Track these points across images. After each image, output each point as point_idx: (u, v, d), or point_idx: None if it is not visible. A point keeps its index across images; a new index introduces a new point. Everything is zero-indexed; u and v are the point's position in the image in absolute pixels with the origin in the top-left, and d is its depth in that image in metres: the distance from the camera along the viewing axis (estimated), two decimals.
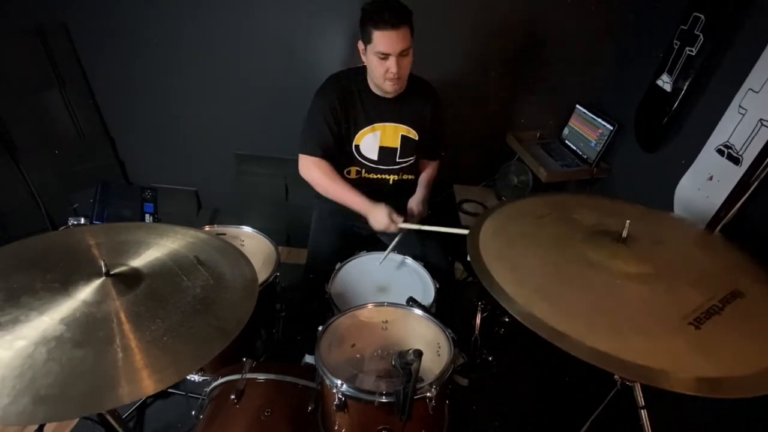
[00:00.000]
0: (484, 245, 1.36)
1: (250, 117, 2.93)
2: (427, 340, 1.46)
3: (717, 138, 1.85)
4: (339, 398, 1.25)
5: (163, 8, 2.58)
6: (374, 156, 2.06)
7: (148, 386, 0.95)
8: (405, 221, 1.95)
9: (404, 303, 1.59)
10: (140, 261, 1.28)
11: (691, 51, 1.99)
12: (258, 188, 3.10)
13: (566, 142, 2.83)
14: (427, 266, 1.94)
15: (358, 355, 1.41)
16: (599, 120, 2.58)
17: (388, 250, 1.97)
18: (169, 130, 3.04)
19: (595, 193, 2.74)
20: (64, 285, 1.14)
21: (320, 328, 1.46)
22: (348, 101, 1.97)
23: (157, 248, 1.35)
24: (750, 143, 1.69)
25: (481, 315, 1.74)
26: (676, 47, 2.07)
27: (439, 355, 1.41)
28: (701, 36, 1.94)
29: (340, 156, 2.07)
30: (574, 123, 2.79)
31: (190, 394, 1.93)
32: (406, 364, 1.18)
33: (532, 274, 1.25)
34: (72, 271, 1.19)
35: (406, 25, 1.76)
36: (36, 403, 0.87)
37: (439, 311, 1.79)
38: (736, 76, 1.77)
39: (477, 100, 2.84)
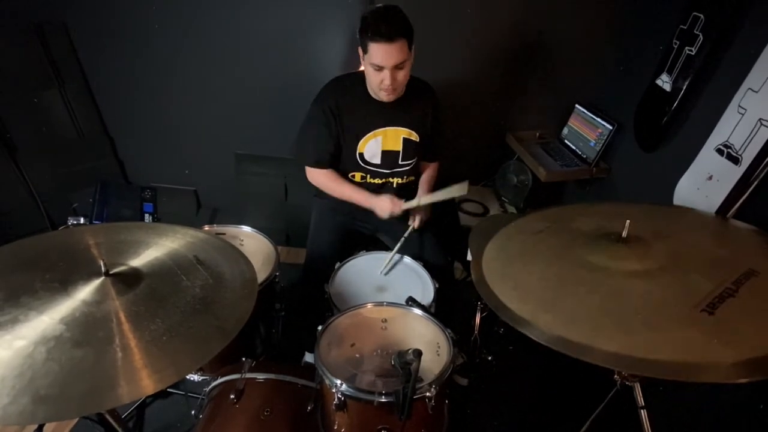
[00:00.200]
0: (487, 268, 1.36)
1: (249, 116, 2.93)
2: (426, 339, 1.46)
3: (716, 138, 1.85)
4: (338, 398, 1.25)
5: (163, 8, 2.58)
6: (377, 160, 2.06)
7: (148, 386, 0.95)
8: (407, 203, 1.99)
9: (404, 302, 1.60)
10: (140, 261, 1.28)
11: (691, 51, 1.99)
12: (257, 188, 3.10)
13: (566, 141, 2.83)
14: (427, 266, 1.94)
15: (357, 355, 1.41)
16: (598, 120, 2.58)
17: (391, 255, 1.98)
18: (168, 129, 3.04)
19: (593, 193, 2.75)
20: (64, 285, 1.14)
21: (320, 327, 1.47)
22: (347, 109, 1.97)
23: (157, 248, 1.35)
24: (749, 143, 1.69)
25: (481, 315, 1.74)
26: (676, 47, 2.07)
27: (438, 354, 1.41)
28: (701, 35, 1.94)
29: (344, 163, 2.08)
30: (574, 123, 2.79)
31: (189, 394, 1.93)
32: (405, 363, 1.18)
33: (534, 290, 1.24)
34: (71, 271, 1.19)
35: (403, 38, 1.73)
36: (35, 403, 0.87)
37: (438, 311, 1.79)
38: (735, 76, 1.77)
39: (476, 99, 2.84)
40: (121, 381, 0.93)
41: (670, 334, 1.03)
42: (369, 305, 1.57)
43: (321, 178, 2.08)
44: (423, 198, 2.01)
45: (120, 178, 3.22)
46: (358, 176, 2.10)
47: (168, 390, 2.07)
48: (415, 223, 2.05)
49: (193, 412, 1.59)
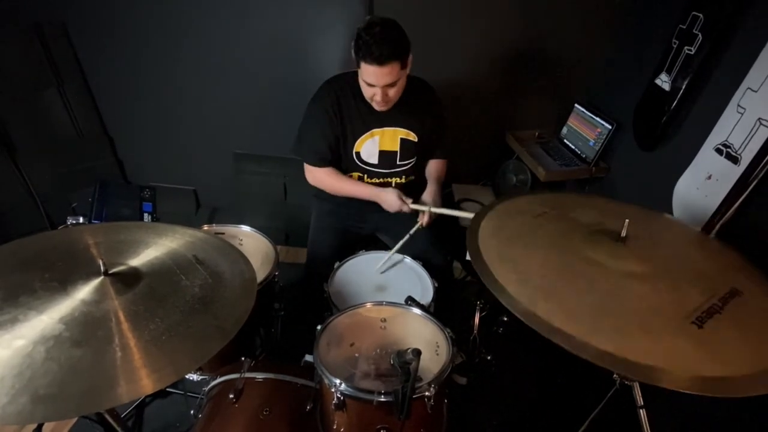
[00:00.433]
0: (484, 244, 1.35)
1: (249, 116, 2.93)
2: (425, 339, 1.46)
3: (716, 137, 1.85)
4: (338, 397, 1.25)
5: (162, 8, 2.58)
6: (375, 160, 2.05)
7: (147, 385, 0.95)
8: (414, 203, 1.98)
9: (403, 302, 1.59)
10: (139, 260, 1.28)
11: (690, 50, 1.99)
12: (257, 187, 3.10)
13: (565, 141, 2.83)
14: (426, 265, 1.94)
15: (356, 354, 1.41)
16: (598, 119, 2.59)
17: (392, 252, 1.97)
18: (167, 129, 3.04)
19: (593, 192, 2.75)
20: (63, 284, 1.14)
21: (319, 327, 1.46)
22: (344, 108, 1.96)
23: (156, 247, 1.35)
24: (749, 142, 1.69)
25: (480, 314, 1.74)
26: (675, 46, 2.07)
27: (437, 354, 1.41)
28: (700, 35, 1.94)
29: (342, 162, 2.08)
30: (573, 122, 2.79)
31: (188, 394, 1.93)
32: (404, 363, 1.18)
33: (533, 274, 1.24)
34: (71, 271, 1.19)
35: (395, 61, 1.72)
36: (35, 403, 0.87)
37: (437, 310, 1.79)
38: (734, 75, 1.78)
39: (476, 99, 2.84)
40: (120, 380, 0.93)
41: (663, 342, 1.04)
42: (368, 305, 1.57)
43: (321, 175, 2.08)
44: (434, 207, 1.99)
45: (119, 178, 3.22)
46: (355, 176, 2.10)
47: (167, 389, 2.07)
48: (423, 220, 2.00)
49: (192, 411, 1.59)
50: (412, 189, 2.14)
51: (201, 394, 1.60)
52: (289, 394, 1.50)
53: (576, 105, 2.78)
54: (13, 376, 0.90)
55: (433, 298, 1.76)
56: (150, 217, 3.13)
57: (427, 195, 2.10)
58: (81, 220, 1.96)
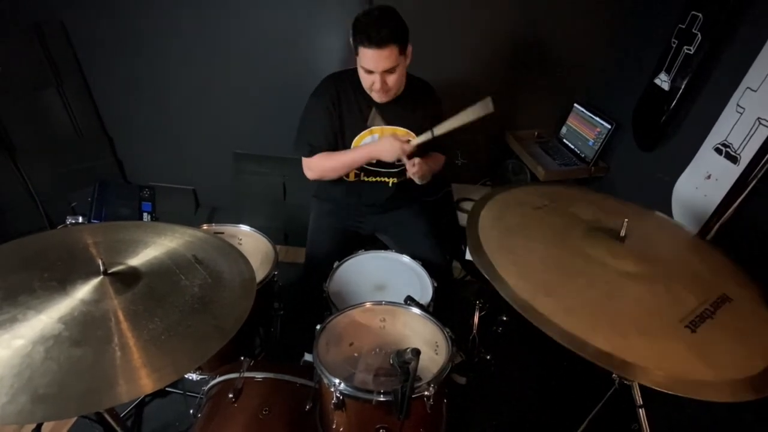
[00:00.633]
0: (484, 234, 1.35)
1: (248, 116, 2.93)
2: (425, 338, 1.46)
3: (715, 137, 1.85)
4: (337, 397, 1.25)
5: (161, 7, 2.58)
6: None
7: (146, 385, 0.95)
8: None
9: (402, 302, 1.59)
10: (138, 260, 1.29)
11: (689, 50, 1.99)
12: (256, 187, 3.10)
13: (564, 141, 2.83)
14: (425, 265, 1.93)
15: (356, 354, 1.41)
16: (597, 119, 2.59)
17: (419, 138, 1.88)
18: (167, 129, 3.03)
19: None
20: (62, 284, 1.14)
21: (318, 326, 1.46)
22: (344, 104, 1.95)
23: (155, 247, 1.35)
24: (748, 142, 1.70)
25: (479, 314, 1.74)
26: (674, 46, 2.07)
27: (436, 353, 1.41)
28: (699, 35, 1.94)
29: None
30: (572, 122, 2.79)
31: (188, 393, 1.93)
32: (404, 362, 1.18)
33: (534, 268, 1.24)
34: (70, 270, 1.19)
35: (393, 44, 1.71)
36: (34, 402, 0.87)
37: (437, 310, 1.79)
38: (734, 75, 1.78)
39: (475, 98, 2.83)
40: (119, 380, 0.93)
41: (659, 344, 1.05)
42: (367, 304, 1.57)
43: (316, 160, 2.00)
44: (438, 128, 1.86)
45: (118, 178, 3.22)
46: (352, 174, 2.09)
47: (166, 389, 2.07)
48: (414, 169, 1.91)
49: (191, 411, 1.59)
50: (408, 188, 2.15)
51: (200, 393, 1.60)
52: (289, 394, 1.50)
53: (575, 105, 2.78)
54: (12, 375, 0.90)
55: (432, 298, 1.76)
56: (149, 216, 3.13)
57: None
58: (80, 219, 1.95)
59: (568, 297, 1.14)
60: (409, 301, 1.60)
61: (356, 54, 1.78)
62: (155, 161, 3.19)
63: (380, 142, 1.92)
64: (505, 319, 1.97)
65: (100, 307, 1.09)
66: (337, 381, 1.26)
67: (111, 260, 1.23)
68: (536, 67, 2.73)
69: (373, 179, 2.10)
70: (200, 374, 1.79)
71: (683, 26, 2.02)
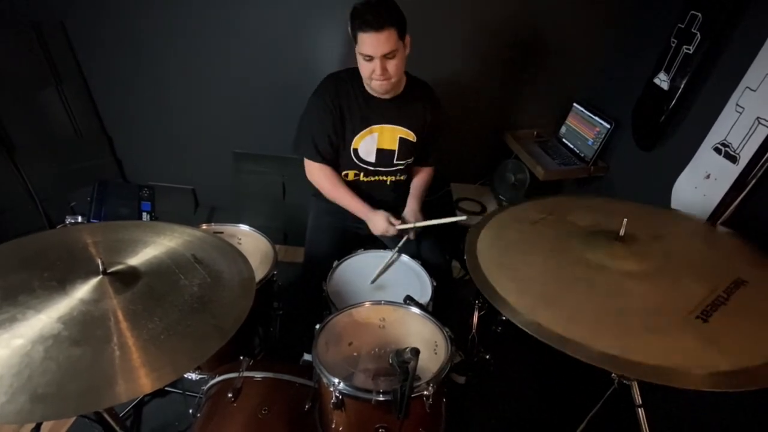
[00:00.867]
0: (482, 256, 1.35)
1: (247, 115, 2.93)
2: (424, 338, 1.46)
3: (714, 136, 1.85)
4: (336, 396, 1.25)
5: (161, 6, 2.57)
6: (372, 158, 2.05)
7: (146, 384, 0.95)
8: (402, 223, 1.99)
9: (401, 301, 1.59)
10: (137, 259, 1.29)
11: (689, 49, 1.99)
12: (255, 187, 3.10)
13: (563, 140, 2.83)
14: (425, 264, 1.94)
15: (355, 354, 1.41)
16: (596, 118, 2.59)
17: (383, 264, 1.96)
18: (166, 128, 3.04)
19: (591, 191, 2.75)
20: (62, 283, 1.14)
21: (317, 326, 1.46)
22: (345, 103, 1.95)
23: (155, 247, 1.35)
24: (747, 141, 1.70)
25: (479, 313, 1.74)
26: (674, 45, 2.07)
27: (436, 353, 1.41)
28: (698, 34, 1.94)
29: (339, 159, 2.07)
30: (572, 121, 2.79)
31: (187, 393, 1.93)
32: (403, 362, 1.18)
33: (533, 282, 1.24)
34: (69, 270, 1.19)
35: (392, 27, 1.71)
36: (33, 402, 0.87)
37: (436, 309, 1.79)
38: (733, 75, 1.78)
39: (474, 98, 2.84)
40: (118, 379, 0.93)
41: (668, 340, 1.03)
42: (367, 304, 1.57)
43: (319, 174, 2.07)
44: (419, 223, 2.02)
45: (118, 177, 3.22)
46: (351, 174, 2.10)
47: (166, 389, 2.07)
48: (411, 234, 2.05)
49: (190, 410, 1.59)
50: (405, 187, 2.17)
51: (200, 393, 1.60)
52: (288, 394, 1.50)
53: (575, 104, 2.78)
54: (11, 375, 0.90)
55: (431, 297, 1.76)
56: (148, 216, 3.12)
57: (410, 214, 2.10)
58: (80, 219, 1.95)
59: (568, 305, 1.14)
60: (409, 300, 1.60)
61: (355, 42, 1.78)
62: (155, 161, 3.19)
63: (375, 215, 2.01)
64: (504, 318, 1.97)
65: (100, 306, 1.09)
66: (336, 380, 1.26)
67: (110, 260, 1.23)
68: (535, 66, 2.73)
69: (372, 179, 2.10)
70: (199, 374, 1.79)
71: (682, 26, 2.02)
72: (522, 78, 2.79)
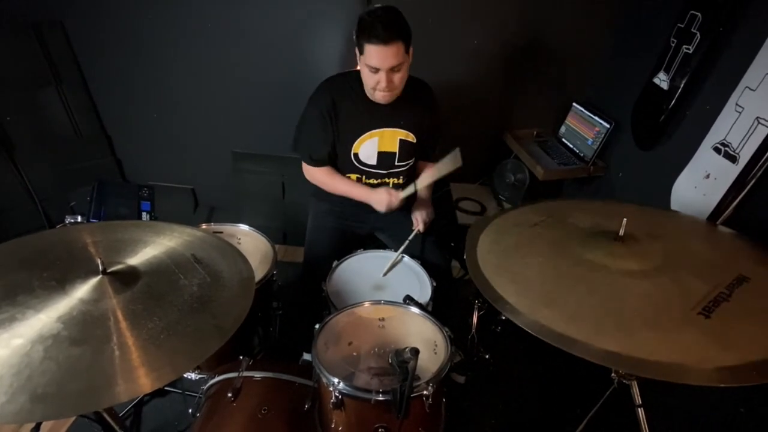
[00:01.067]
0: (483, 260, 1.36)
1: (247, 115, 2.93)
2: (424, 338, 1.46)
3: (714, 136, 1.85)
4: (336, 396, 1.25)
5: (160, 6, 2.57)
6: (373, 161, 2.05)
7: (145, 384, 0.95)
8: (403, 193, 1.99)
9: (401, 301, 1.59)
10: (137, 259, 1.29)
11: (688, 49, 1.99)
12: (255, 186, 3.09)
13: (563, 140, 2.83)
14: (424, 264, 1.94)
15: (354, 353, 1.41)
16: (596, 118, 2.59)
17: (396, 255, 1.97)
18: (166, 128, 3.03)
19: (591, 191, 2.75)
20: (61, 283, 1.14)
21: (317, 326, 1.46)
22: (343, 108, 1.95)
23: (154, 246, 1.35)
24: (747, 141, 1.70)
25: (478, 313, 1.74)
26: (673, 45, 2.07)
27: (435, 353, 1.41)
28: (698, 34, 1.94)
29: (339, 163, 2.07)
30: (571, 121, 2.79)
31: (187, 392, 1.93)
32: (402, 362, 1.18)
33: (533, 283, 1.24)
34: (69, 270, 1.19)
35: (399, 41, 1.70)
36: (33, 402, 0.87)
37: (436, 309, 1.79)
38: (732, 74, 1.78)
39: (474, 98, 2.84)
40: (118, 379, 0.93)
41: (670, 336, 1.03)
42: (366, 304, 1.57)
43: (318, 174, 2.08)
44: (419, 181, 2.00)
45: (117, 177, 3.22)
46: (353, 177, 2.09)
47: (165, 388, 2.07)
48: (419, 226, 2.05)
49: (190, 410, 1.59)
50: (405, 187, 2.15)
51: (199, 392, 1.60)
52: (288, 393, 1.50)
53: (574, 104, 2.78)
54: (11, 375, 0.90)
55: (431, 297, 1.76)
56: (148, 216, 3.12)
57: (420, 211, 2.11)
58: (79, 219, 1.95)
59: (570, 305, 1.14)
60: (408, 300, 1.60)
61: (361, 53, 1.77)
62: (154, 160, 3.19)
63: (376, 193, 2.00)
64: (503, 318, 1.97)
65: (99, 306, 1.09)
66: (336, 380, 1.26)
67: (110, 259, 1.23)
68: (535, 66, 2.73)
69: (374, 181, 2.09)
70: (199, 373, 1.78)
71: (682, 25, 2.02)
72: (522, 78, 2.79)
